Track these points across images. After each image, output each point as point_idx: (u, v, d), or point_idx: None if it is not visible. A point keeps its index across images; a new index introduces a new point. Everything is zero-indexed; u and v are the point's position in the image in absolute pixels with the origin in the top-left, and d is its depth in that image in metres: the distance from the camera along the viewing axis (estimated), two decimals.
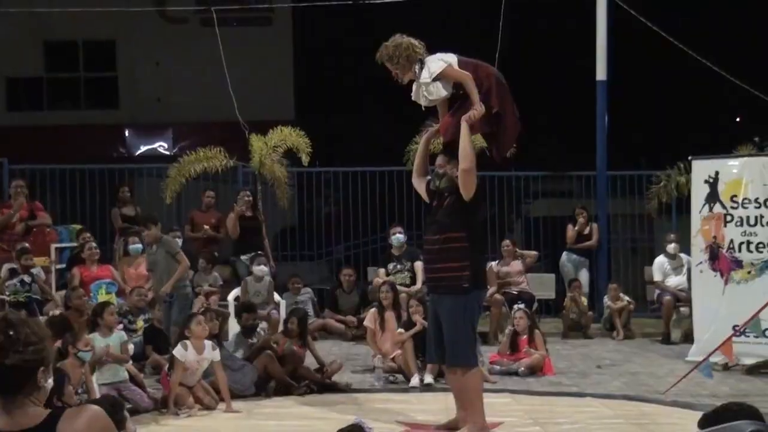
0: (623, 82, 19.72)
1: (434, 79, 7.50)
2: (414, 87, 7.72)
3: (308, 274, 15.97)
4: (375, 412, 8.55)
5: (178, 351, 8.76)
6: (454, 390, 7.86)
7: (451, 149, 7.59)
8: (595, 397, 9.36)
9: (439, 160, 7.71)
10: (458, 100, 7.66)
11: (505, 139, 7.83)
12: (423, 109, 7.96)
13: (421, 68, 7.54)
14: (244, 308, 10.28)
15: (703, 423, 4.25)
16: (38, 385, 3.00)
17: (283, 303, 12.66)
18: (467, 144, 7.34)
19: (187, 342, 8.84)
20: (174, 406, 8.68)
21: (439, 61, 7.54)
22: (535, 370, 10.63)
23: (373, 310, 11.12)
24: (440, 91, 7.57)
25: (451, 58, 7.60)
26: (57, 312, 10.37)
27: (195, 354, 8.84)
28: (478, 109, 7.38)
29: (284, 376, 9.52)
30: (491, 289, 13.14)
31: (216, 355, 8.99)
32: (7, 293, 11.10)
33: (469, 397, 7.63)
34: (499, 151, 8.01)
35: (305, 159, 14.60)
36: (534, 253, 14.63)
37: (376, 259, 14.86)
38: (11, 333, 2.94)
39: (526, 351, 10.82)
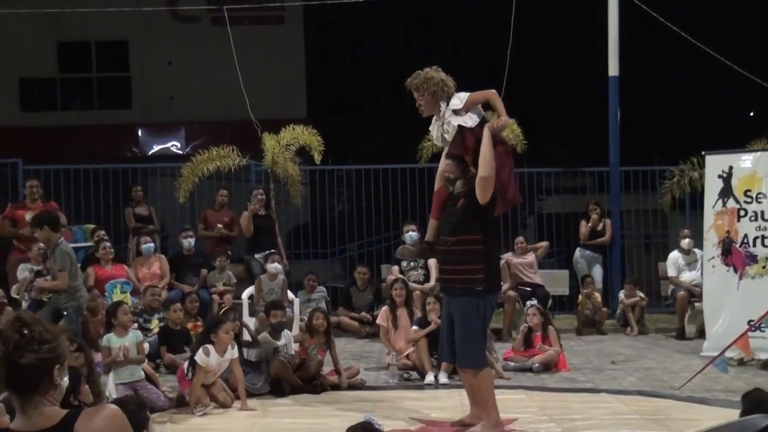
0: (636, 77, 19.68)
1: (465, 104, 7.51)
2: (433, 122, 7.78)
3: (321, 272, 15.98)
4: (389, 410, 8.57)
5: (200, 357, 8.70)
6: (468, 388, 7.88)
7: (457, 156, 7.63)
8: (609, 392, 9.35)
9: (446, 166, 7.74)
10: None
11: (501, 202, 7.59)
12: None
13: (448, 102, 7.58)
14: (273, 306, 10.20)
15: (745, 396, 4.76)
16: (54, 383, 2.99)
17: (296, 301, 12.68)
18: (488, 151, 7.33)
19: (209, 347, 8.78)
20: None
21: (463, 93, 7.60)
22: (549, 366, 10.64)
23: (385, 308, 11.13)
24: (467, 123, 7.57)
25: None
26: None
27: (217, 358, 8.83)
28: (504, 120, 7.45)
29: (297, 381, 9.51)
30: (505, 286, 13.14)
31: (235, 353, 9.01)
32: (33, 293, 11.13)
33: (482, 396, 7.66)
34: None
35: (318, 157, 14.63)
36: (544, 243, 14.59)
37: (389, 256, 14.86)
38: (26, 332, 2.93)
39: (540, 347, 10.82)
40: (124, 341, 9.01)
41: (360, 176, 16.59)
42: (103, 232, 13.22)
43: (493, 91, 7.62)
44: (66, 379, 3.06)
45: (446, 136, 7.69)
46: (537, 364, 10.60)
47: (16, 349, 2.91)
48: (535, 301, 11.61)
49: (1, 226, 12.95)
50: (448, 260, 7.68)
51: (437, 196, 7.87)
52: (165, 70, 24.23)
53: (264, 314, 10.45)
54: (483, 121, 7.59)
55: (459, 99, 7.55)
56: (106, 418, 2.94)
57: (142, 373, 9.05)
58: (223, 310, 10.81)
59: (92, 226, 14.01)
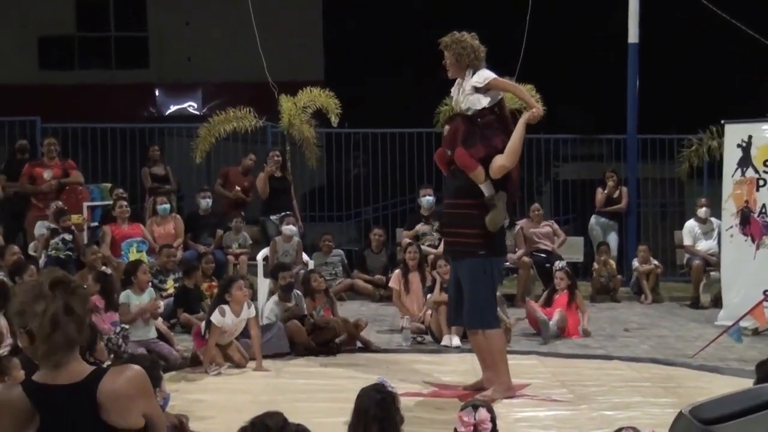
0: (655, 44, 19.53)
1: (485, 85, 7.48)
2: (455, 85, 7.77)
3: (336, 235, 16.00)
4: (402, 373, 8.61)
5: (215, 317, 8.72)
6: (478, 351, 7.91)
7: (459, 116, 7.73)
8: (622, 360, 9.38)
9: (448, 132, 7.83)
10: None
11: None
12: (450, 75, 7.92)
13: (474, 73, 7.55)
14: (280, 268, 10.26)
15: (760, 365, 4.85)
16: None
17: (311, 263, 12.71)
18: (519, 143, 7.40)
19: (225, 307, 8.80)
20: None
21: (489, 73, 7.57)
22: (561, 327, 10.57)
23: (397, 271, 11.14)
24: (481, 102, 7.55)
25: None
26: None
27: (233, 317, 8.85)
28: (538, 110, 7.48)
29: (312, 344, 9.56)
30: (519, 252, 13.16)
31: (251, 311, 9.02)
32: (50, 250, 11.20)
33: (493, 358, 7.69)
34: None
35: (334, 120, 14.60)
36: (564, 237, 14.40)
37: (404, 220, 14.87)
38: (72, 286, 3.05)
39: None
40: (140, 300, 9.07)
41: (376, 140, 16.57)
42: (121, 190, 13.26)
43: (520, 87, 7.66)
44: None
45: (462, 106, 7.69)
46: (553, 322, 10.52)
47: (65, 311, 2.97)
48: (564, 263, 11.66)
49: (19, 183, 13.02)
50: (451, 222, 7.75)
51: (440, 158, 7.88)
52: (183, 30, 24.17)
53: (272, 277, 10.50)
54: (493, 105, 7.59)
55: (483, 78, 7.51)
56: (129, 379, 3.06)
57: (155, 332, 9.10)
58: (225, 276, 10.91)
59: (110, 185, 14.07)
